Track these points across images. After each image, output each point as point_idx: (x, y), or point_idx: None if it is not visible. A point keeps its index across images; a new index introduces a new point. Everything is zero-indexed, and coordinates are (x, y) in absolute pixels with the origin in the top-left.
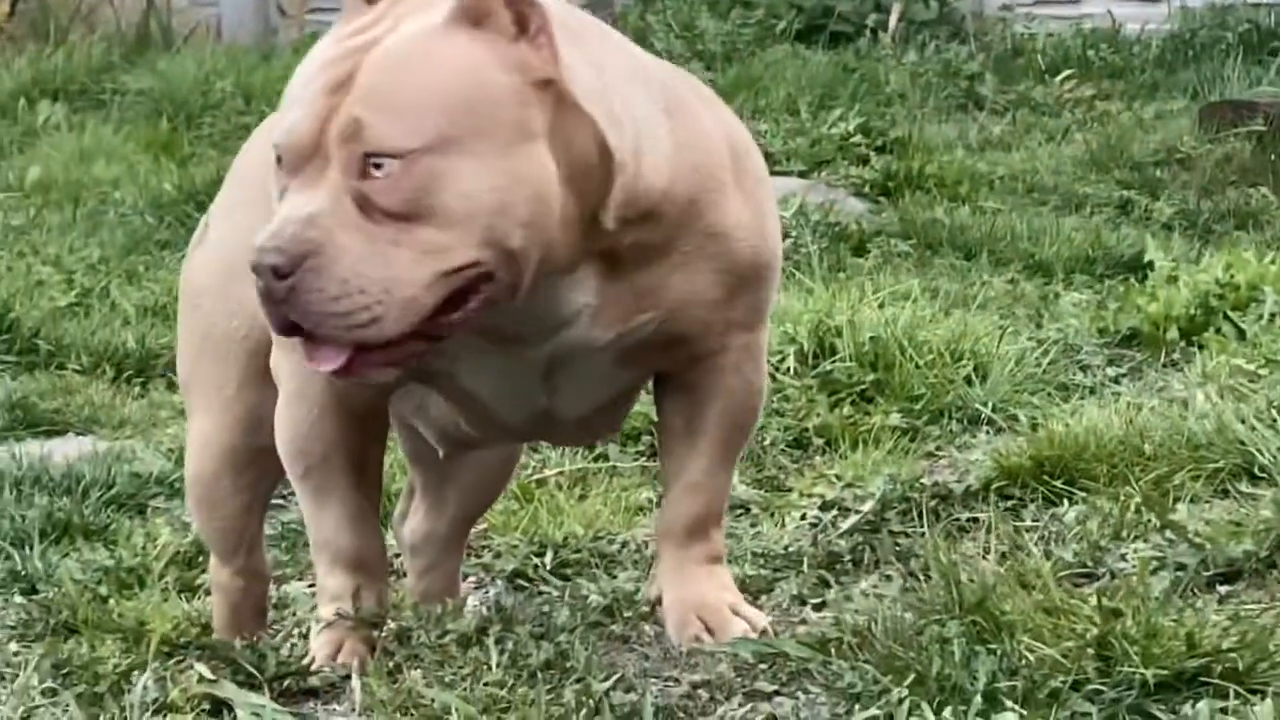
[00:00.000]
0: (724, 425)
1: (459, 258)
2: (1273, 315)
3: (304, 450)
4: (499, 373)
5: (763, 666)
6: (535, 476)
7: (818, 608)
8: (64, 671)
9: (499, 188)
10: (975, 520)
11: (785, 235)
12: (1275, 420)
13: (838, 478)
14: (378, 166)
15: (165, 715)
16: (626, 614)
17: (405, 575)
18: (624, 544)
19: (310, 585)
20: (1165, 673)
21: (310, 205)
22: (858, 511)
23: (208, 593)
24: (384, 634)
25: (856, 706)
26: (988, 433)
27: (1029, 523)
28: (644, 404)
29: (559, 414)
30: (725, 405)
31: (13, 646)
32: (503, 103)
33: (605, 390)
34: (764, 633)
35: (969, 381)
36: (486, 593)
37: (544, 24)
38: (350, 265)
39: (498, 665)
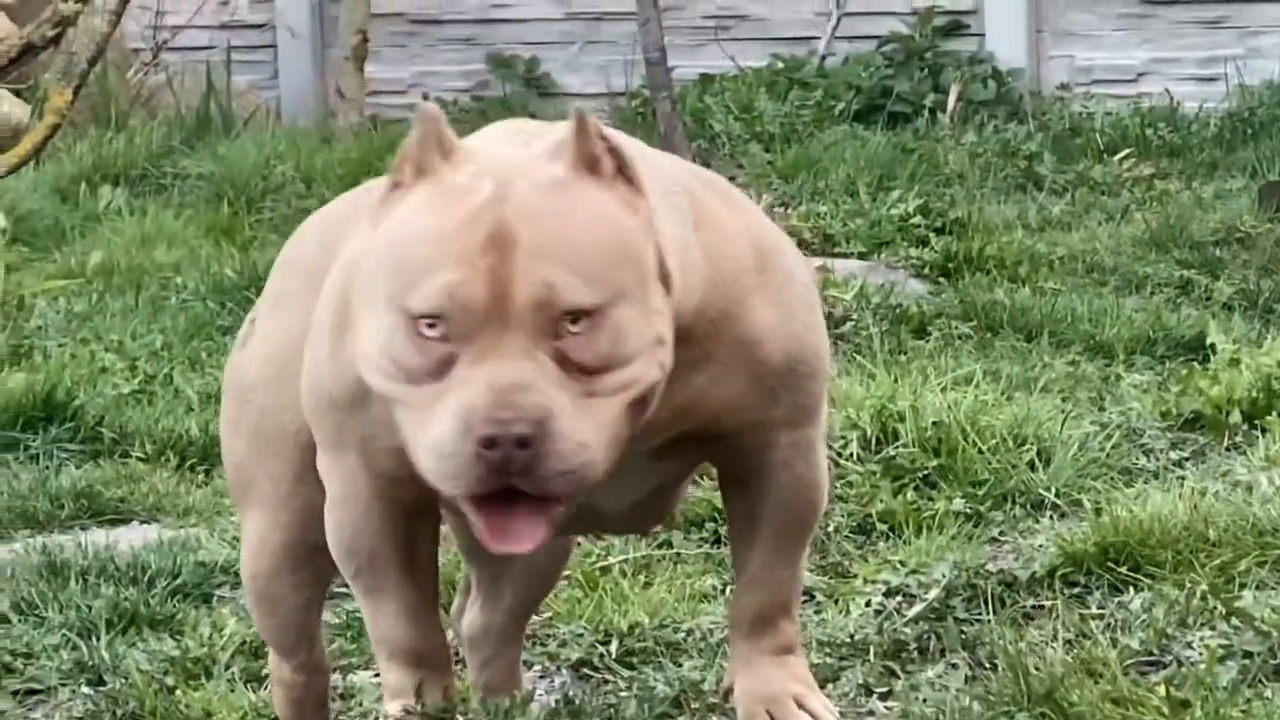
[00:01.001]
0: (780, 520)
1: (641, 387)
2: None
3: (354, 549)
4: None
5: None
6: (599, 564)
7: (884, 697)
8: None
9: (654, 323)
10: (1040, 607)
11: (846, 319)
12: None
13: (902, 564)
14: (574, 324)
15: None
16: (694, 705)
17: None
18: (689, 632)
19: (375, 675)
20: None
21: (521, 371)
22: (922, 598)
23: None
24: None
25: None
26: (1052, 518)
27: (1094, 610)
28: (706, 489)
29: (603, 509)
30: (779, 501)
31: None
32: (640, 245)
33: (647, 484)
34: None
35: (1032, 466)
36: (552, 682)
37: (628, 162)
38: (572, 423)
39: None
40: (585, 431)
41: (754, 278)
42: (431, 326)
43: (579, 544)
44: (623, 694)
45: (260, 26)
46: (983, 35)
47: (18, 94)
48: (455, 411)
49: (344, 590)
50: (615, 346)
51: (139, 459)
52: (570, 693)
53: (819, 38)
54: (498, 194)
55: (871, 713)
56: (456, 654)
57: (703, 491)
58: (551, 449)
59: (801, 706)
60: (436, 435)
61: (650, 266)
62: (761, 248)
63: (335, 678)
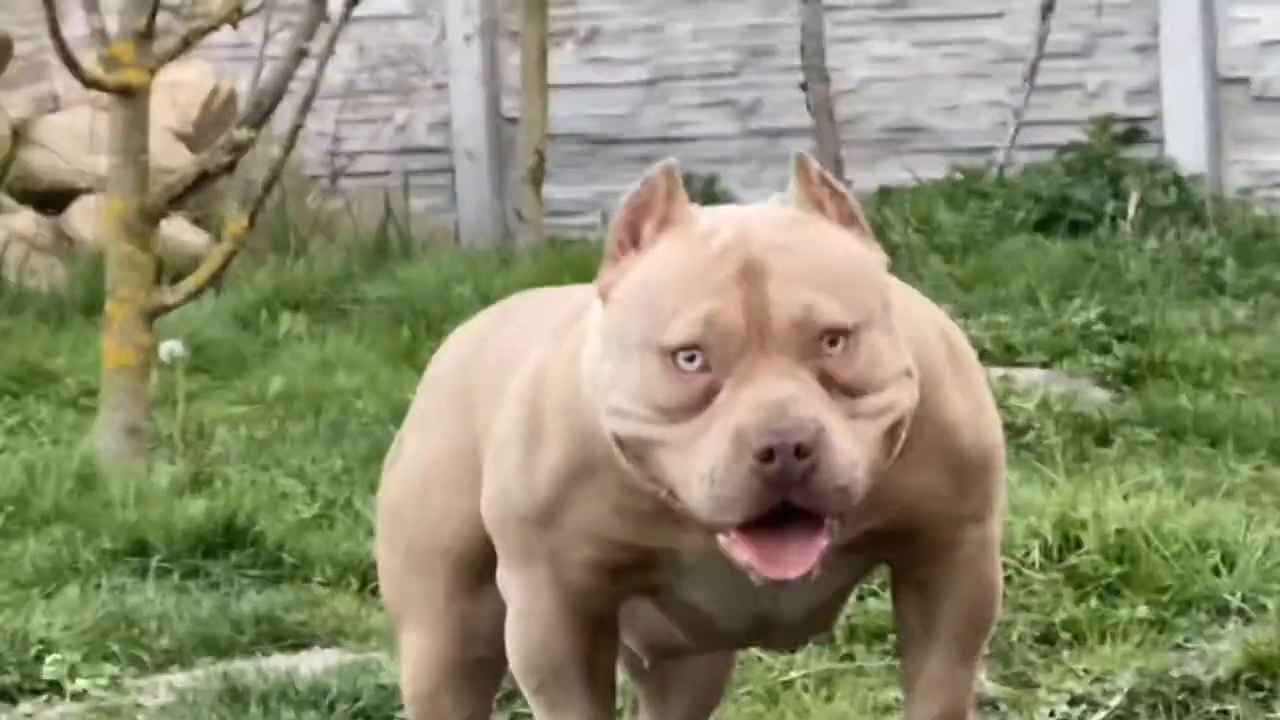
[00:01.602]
0: (961, 621)
1: (894, 417)
2: None
3: (538, 665)
4: (725, 582)
5: None
6: (780, 678)
7: None
8: None
9: (901, 352)
10: (1225, 712)
11: (1028, 428)
12: None
13: (1085, 672)
14: (832, 344)
15: None
16: None
17: None
18: None
19: None
20: None
21: (789, 387)
22: (1106, 707)
23: None
24: None
25: None
26: (1236, 623)
27: (1279, 714)
28: (887, 599)
29: (780, 616)
30: (962, 601)
31: None
32: (879, 276)
33: (830, 585)
34: None
35: (1216, 571)
36: None
37: (858, 214)
38: (843, 439)
39: None
40: (855, 450)
41: (947, 366)
42: (690, 360)
43: (759, 659)
44: None
45: (438, 150)
46: (1162, 141)
47: (196, 222)
48: (727, 434)
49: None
50: (871, 368)
51: (320, 583)
52: None
53: (997, 147)
54: (740, 234)
55: None
56: None
57: (884, 603)
58: (828, 459)
59: None
60: (709, 463)
61: (889, 304)
62: (950, 337)
63: None
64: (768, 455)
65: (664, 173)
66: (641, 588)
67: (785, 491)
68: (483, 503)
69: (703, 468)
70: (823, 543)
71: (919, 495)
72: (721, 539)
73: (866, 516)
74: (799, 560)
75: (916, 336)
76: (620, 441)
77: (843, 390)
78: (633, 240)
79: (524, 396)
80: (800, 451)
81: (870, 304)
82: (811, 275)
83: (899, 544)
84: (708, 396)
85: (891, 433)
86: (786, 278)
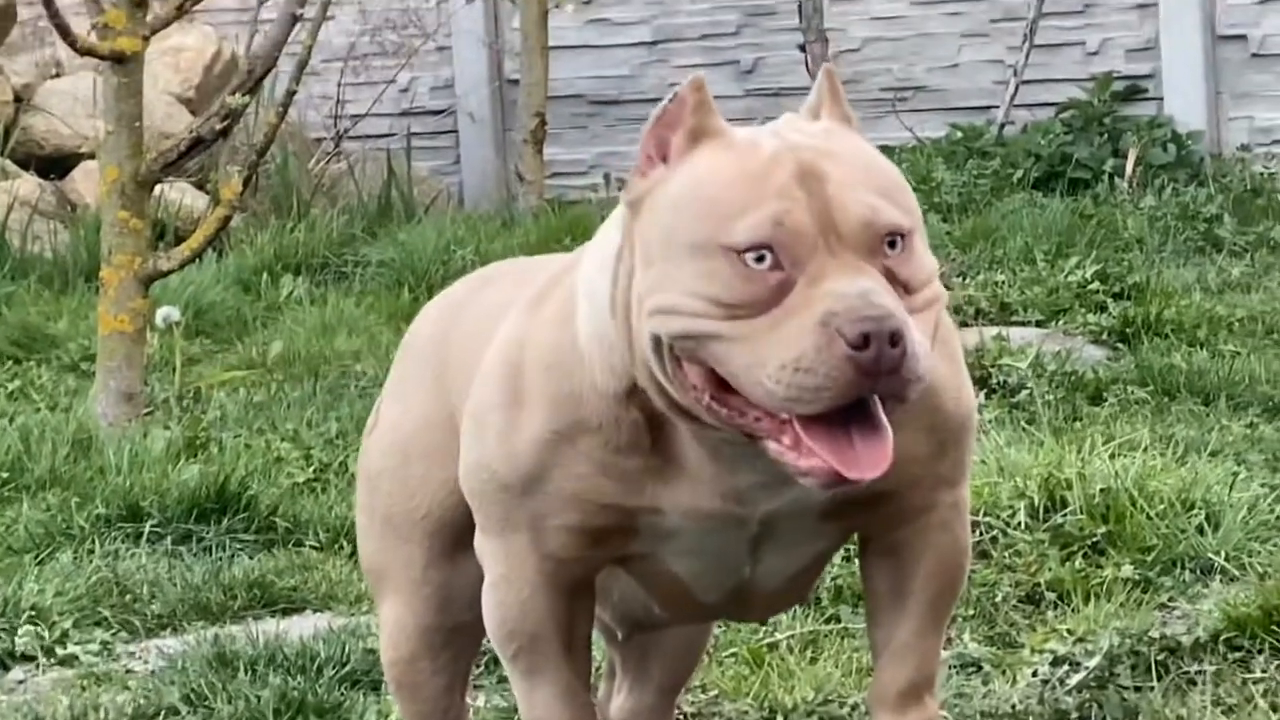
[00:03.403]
0: (934, 585)
1: (941, 304)
2: None
3: (515, 631)
4: (707, 547)
5: None
6: (766, 640)
7: None
8: None
9: (932, 257)
10: (1204, 672)
11: (1020, 386)
12: None
13: (1069, 632)
14: (892, 245)
15: None
16: None
17: None
18: (854, 706)
19: None
20: None
21: (866, 282)
22: (1085, 667)
23: None
24: None
25: None
26: (1221, 582)
27: (1258, 674)
28: None
29: (758, 585)
30: (935, 564)
31: None
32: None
33: (807, 553)
34: None
35: (1201, 530)
36: None
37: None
38: (918, 332)
39: None
40: (925, 342)
41: None
42: (760, 260)
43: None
44: None
45: (440, 113)
46: (1161, 99)
47: (200, 185)
48: (814, 322)
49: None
50: (920, 269)
51: (312, 548)
52: None
53: (997, 106)
54: (786, 143)
55: None
56: None
57: None
58: (914, 349)
59: None
60: (794, 351)
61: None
62: None
63: None
64: (864, 341)
65: (693, 87)
66: (620, 554)
67: (876, 380)
68: (460, 470)
69: (786, 355)
70: (889, 442)
71: (900, 456)
72: (772, 445)
73: None
74: (874, 460)
75: None
76: (665, 342)
77: (904, 288)
78: (661, 155)
79: (504, 361)
80: (894, 340)
81: (915, 209)
82: (866, 180)
83: (875, 508)
84: (780, 293)
85: (934, 327)
86: (845, 181)
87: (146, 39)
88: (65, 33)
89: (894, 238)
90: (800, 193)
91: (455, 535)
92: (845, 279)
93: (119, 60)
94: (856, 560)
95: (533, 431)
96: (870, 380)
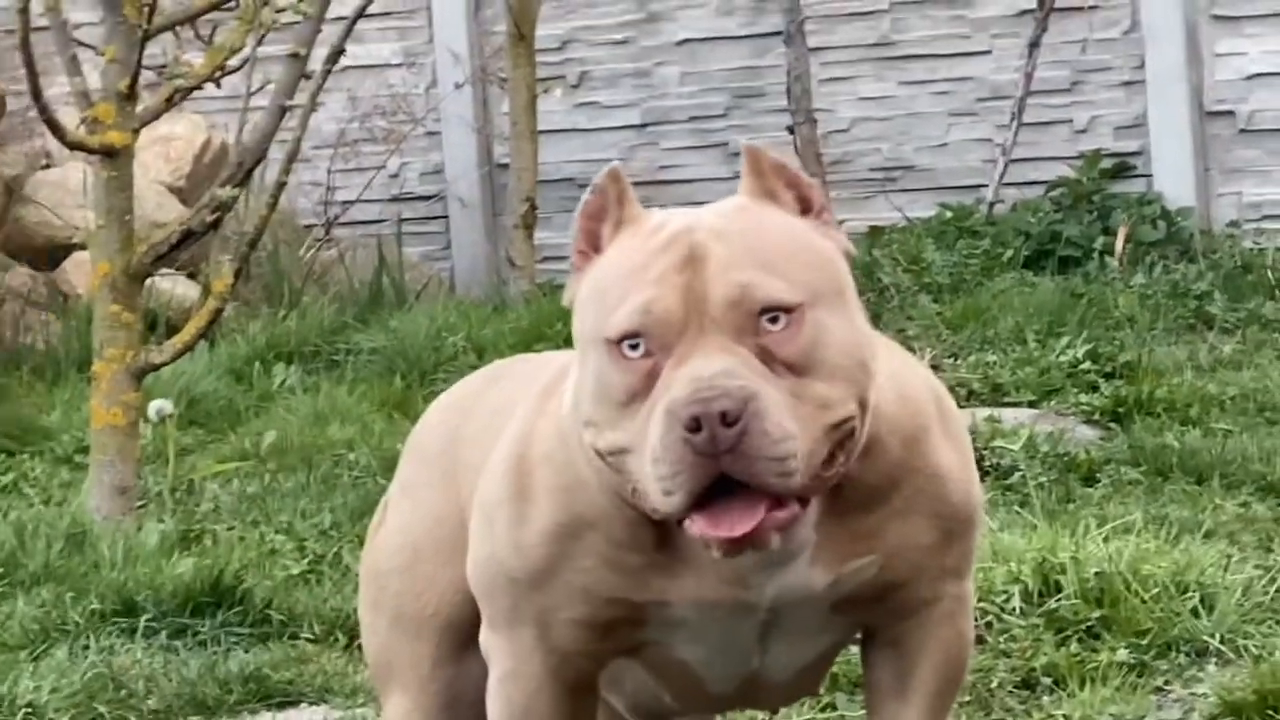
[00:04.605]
0: (938, 678)
1: (841, 411)
2: None
3: None
4: (716, 637)
5: None
6: None
7: None
8: None
9: (859, 343)
10: None
11: (1014, 469)
12: None
13: (1065, 718)
14: (773, 321)
15: None
16: None
17: None
18: None
19: None
20: None
21: (722, 361)
22: None
23: None
24: None
25: None
26: (1216, 665)
27: None
28: None
29: (767, 676)
30: (939, 657)
31: None
32: (836, 262)
33: (817, 645)
34: None
35: (1195, 614)
36: None
37: (826, 206)
38: (779, 409)
39: None
40: (792, 423)
41: (935, 414)
42: (634, 348)
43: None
44: None
45: (430, 198)
46: (1150, 175)
47: (191, 276)
48: (662, 410)
49: None
50: (818, 347)
51: (308, 640)
52: None
53: (986, 185)
54: (685, 226)
55: None
56: None
57: None
58: (759, 429)
59: None
60: (651, 444)
61: (850, 289)
62: (936, 390)
63: None
64: (695, 425)
65: (610, 178)
66: (630, 646)
67: (718, 460)
68: (469, 565)
69: (648, 452)
70: (763, 507)
71: (905, 544)
72: (688, 526)
73: (851, 557)
74: (742, 519)
75: (901, 382)
76: (599, 455)
77: (787, 367)
78: (593, 248)
79: (511, 455)
80: (726, 419)
81: (816, 284)
82: (750, 256)
83: (883, 601)
84: (651, 380)
85: (839, 429)
86: (724, 261)
87: (136, 132)
88: (54, 127)
89: (774, 314)
90: (678, 278)
91: (464, 634)
92: (704, 360)
93: (108, 154)
94: (853, 648)
95: (540, 525)
96: (711, 461)
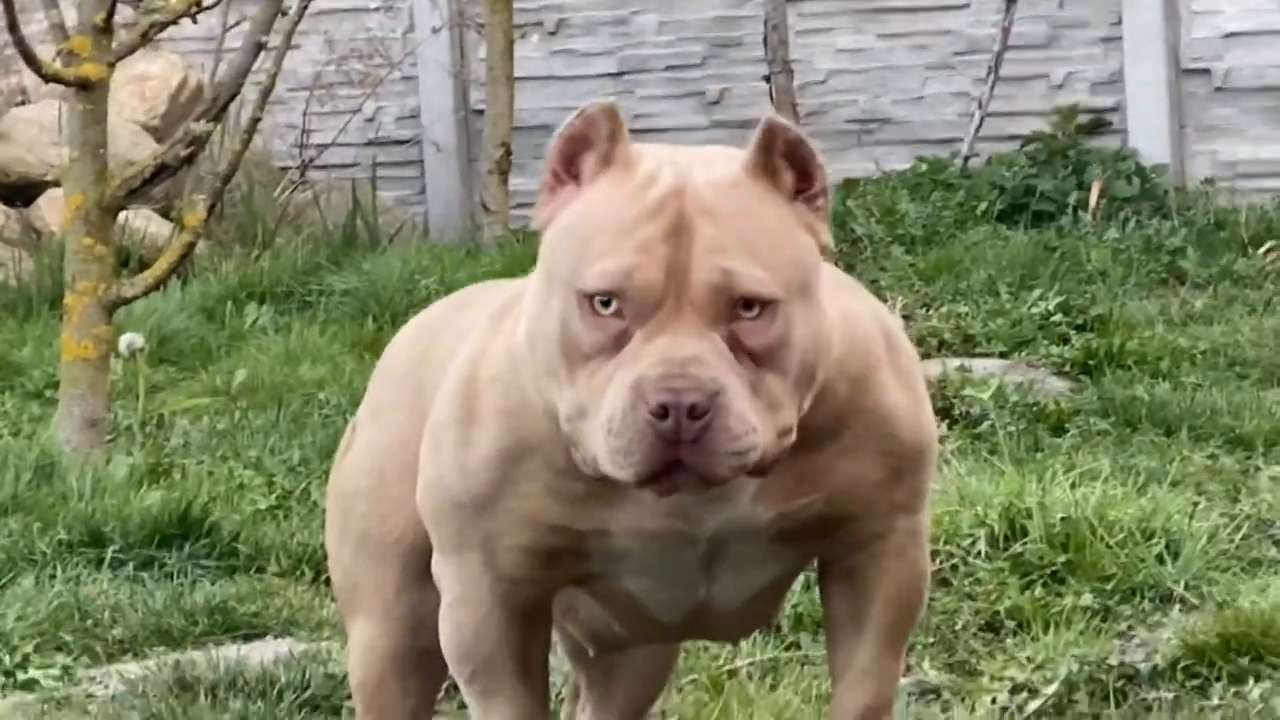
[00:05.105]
0: (891, 611)
1: (785, 417)
2: None
3: (471, 652)
4: (659, 567)
5: None
6: (725, 667)
7: None
8: None
9: (817, 348)
10: (1161, 700)
11: (983, 417)
12: None
13: (1029, 660)
14: (748, 310)
15: None
16: None
17: None
18: None
19: None
20: None
21: (695, 346)
22: (1045, 694)
23: None
24: None
25: None
26: (1180, 610)
27: (1215, 701)
28: None
29: (716, 606)
30: (891, 590)
31: None
32: (813, 254)
33: (763, 576)
34: None
35: (1160, 560)
36: None
37: (827, 195)
38: (744, 404)
39: None
40: (755, 416)
41: (885, 352)
42: (606, 305)
43: (704, 648)
44: None
45: (406, 142)
46: (1125, 132)
47: (164, 213)
48: (628, 384)
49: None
50: (783, 345)
51: (274, 574)
52: None
53: (962, 139)
54: (677, 189)
55: None
56: None
57: None
58: (723, 424)
59: None
60: (608, 411)
61: (818, 281)
62: (887, 327)
63: None
64: (662, 412)
65: (606, 113)
66: (575, 575)
67: (678, 449)
68: (418, 490)
69: (602, 416)
70: (710, 488)
71: (853, 481)
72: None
73: (797, 496)
74: (686, 492)
75: (851, 323)
76: (556, 418)
77: (753, 358)
78: (569, 173)
79: (461, 377)
80: (695, 412)
81: (793, 279)
82: (739, 241)
83: (830, 534)
84: (620, 342)
85: (784, 435)
86: (712, 243)
87: (112, 65)
88: (31, 59)
89: (751, 304)
90: (663, 248)
91: (429, 559)
92: (673, 340)
93: (84, 87)
94: (816, 588)
95: (484, 449)
96: (671, 449)
